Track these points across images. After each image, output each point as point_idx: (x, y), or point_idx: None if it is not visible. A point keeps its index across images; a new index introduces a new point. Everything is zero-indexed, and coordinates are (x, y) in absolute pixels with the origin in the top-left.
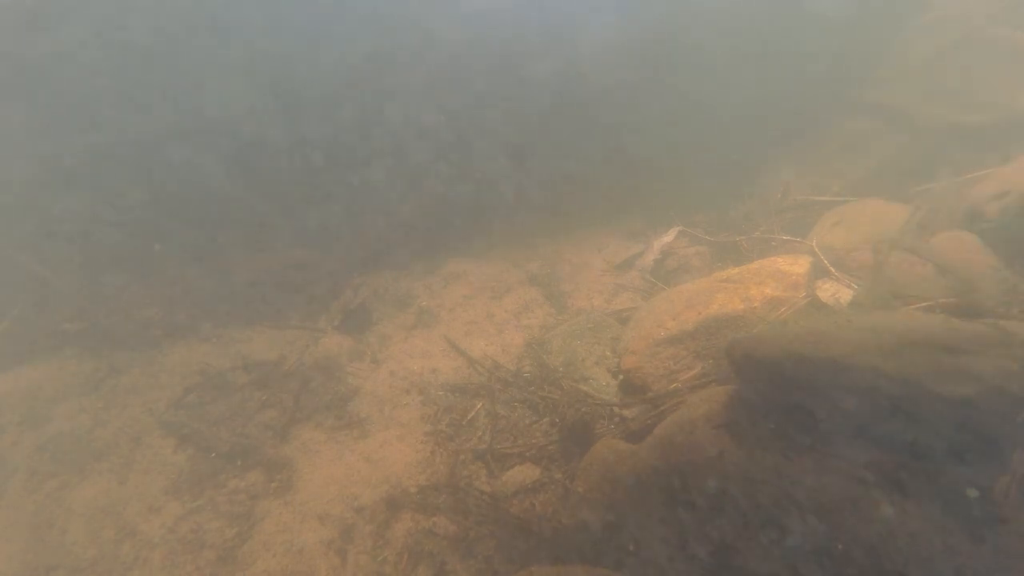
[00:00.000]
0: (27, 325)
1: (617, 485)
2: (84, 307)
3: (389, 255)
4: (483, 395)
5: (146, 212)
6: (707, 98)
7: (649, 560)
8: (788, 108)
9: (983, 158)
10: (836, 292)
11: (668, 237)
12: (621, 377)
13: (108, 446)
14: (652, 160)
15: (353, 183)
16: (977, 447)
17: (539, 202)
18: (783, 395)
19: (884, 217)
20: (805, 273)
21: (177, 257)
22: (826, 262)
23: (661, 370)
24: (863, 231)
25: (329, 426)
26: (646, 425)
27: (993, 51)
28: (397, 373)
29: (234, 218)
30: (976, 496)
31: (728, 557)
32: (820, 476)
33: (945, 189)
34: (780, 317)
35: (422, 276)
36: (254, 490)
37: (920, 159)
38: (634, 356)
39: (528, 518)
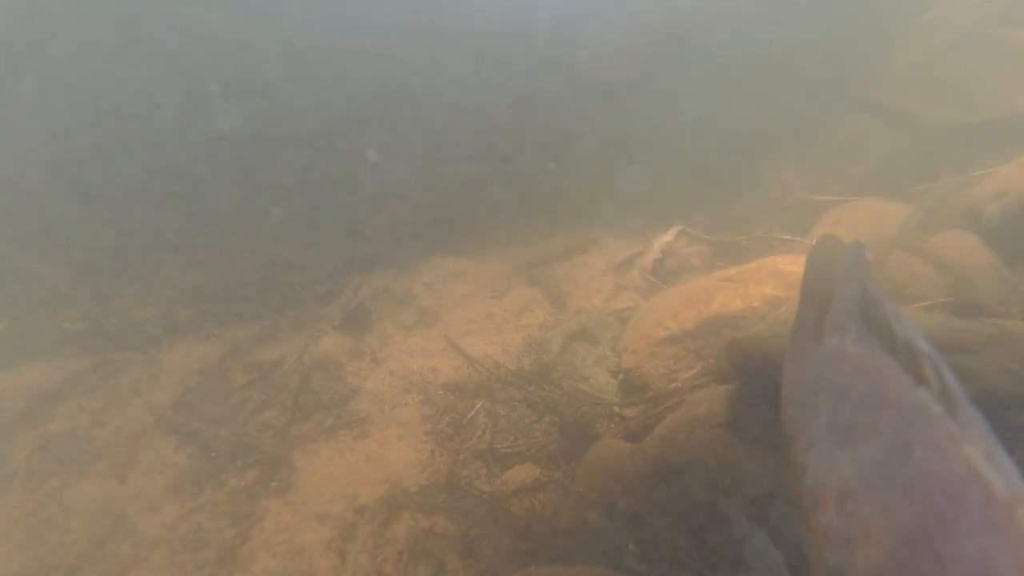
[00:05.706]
0: (27, 325)
1: (617, 484)
2: (84, 307)
3: (389, 255)
4: (483, 395)
5: (145, 212)
6: (706, 98)
7: (649, 559)
8: (788, 108)
9: (983, 158)
10: None
11: (668, 237)
12: (621, 377)
13: (108, 446)
14: (652, 159)
15: (353, 182)
16: None
17: (538, 202)
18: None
19: (884, 217)
20: None
21: (177, 257)
22: None
23: (661, 369)
24: (863, 231)
25: (329, 425)
26: (646, 424)
27: (993, 51)
28: (397, 372)
29: (234, 218)
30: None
31: (728, 556)
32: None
33: (945, 189)
34: (780, 316)
35: (422, 276)
36: (254, 489)
37: (920, 159)
38: (634, 355)
39: (528, 518)
